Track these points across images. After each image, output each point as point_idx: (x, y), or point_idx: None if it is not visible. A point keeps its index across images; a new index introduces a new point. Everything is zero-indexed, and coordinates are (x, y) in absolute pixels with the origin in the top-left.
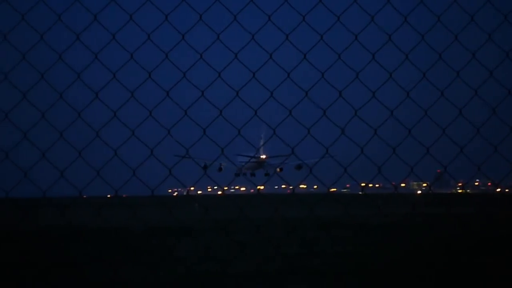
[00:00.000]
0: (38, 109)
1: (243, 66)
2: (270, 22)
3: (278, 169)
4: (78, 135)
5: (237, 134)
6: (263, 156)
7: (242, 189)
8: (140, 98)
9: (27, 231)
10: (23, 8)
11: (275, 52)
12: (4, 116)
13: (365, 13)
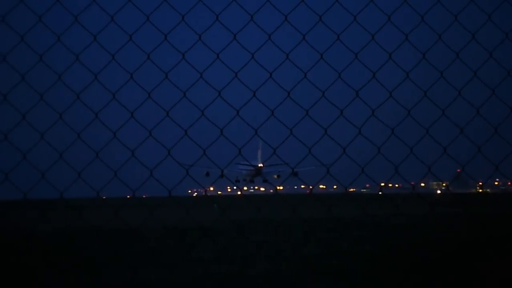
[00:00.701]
0: (55, 110)
1: (256, 67)
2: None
3: (275, 176)
4: (95, 136)
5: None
6: (260, 165)
7: (262, 189)
8: (156, 99)
9: (45, 231)
10: (39, 9)
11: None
12: (22, 118)
13: (382, 13)
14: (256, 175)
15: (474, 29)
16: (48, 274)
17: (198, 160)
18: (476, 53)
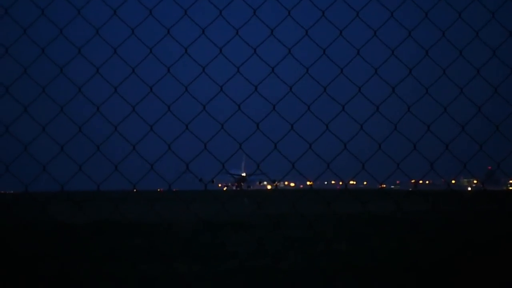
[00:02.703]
0: (57, 103)
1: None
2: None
3: (258, 183)
4: (97, 129)
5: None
6: (244, 174)
7: (292, 184)
8: (158, 93)
9: (81, 224)
10: (42, 2)
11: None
12: (23, 110)
13: (385, 9)
14: (242, 182)
15: (478, 27)
16: (82, 266)
17: (201, 152)
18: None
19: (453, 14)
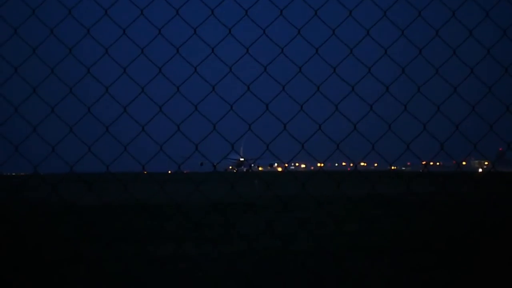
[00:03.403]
0: (66, 84)
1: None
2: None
3: (268, 166)
4: (105, 110)
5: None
6: (242, 159)
7: (302, 166)
8: (167, 74)
9: (91, 205)
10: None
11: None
12: (32, 91)
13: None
14: (240, 166)
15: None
16: (93, 246)
17: (210, 134)
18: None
19: None
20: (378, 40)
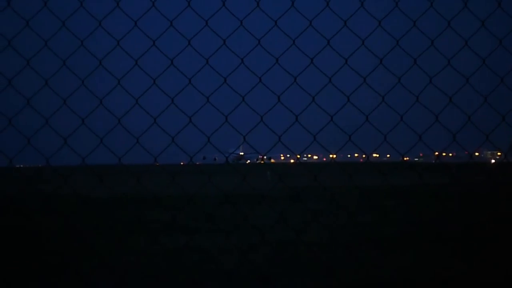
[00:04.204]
0: (78, 76)
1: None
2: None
3: (256, 160)
4: (117, 102)
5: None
6: (242, 153)
7: (315, 157)
8: (179, 66)
9: (104, 197)
10: None
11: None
12: (44, 83)
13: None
14: (240, 159)
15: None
16: (105, 238)
17: (221, 126)
18: None
19: None
20: (389, 31)
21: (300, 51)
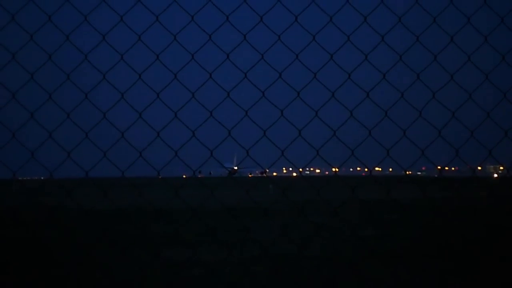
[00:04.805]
0: (81, 90)
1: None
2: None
3: (249, 174)
4: (120, 117)
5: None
6: (235, 167)
7: (317, 171)
8: (182, 80)
9: (107, 210)
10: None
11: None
12: (48, 97)
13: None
14: (234, 173)
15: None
16: (109, 251)
17: (225, 139)
18: None
19: None
20: (392, 46)
21: (303, 65)
